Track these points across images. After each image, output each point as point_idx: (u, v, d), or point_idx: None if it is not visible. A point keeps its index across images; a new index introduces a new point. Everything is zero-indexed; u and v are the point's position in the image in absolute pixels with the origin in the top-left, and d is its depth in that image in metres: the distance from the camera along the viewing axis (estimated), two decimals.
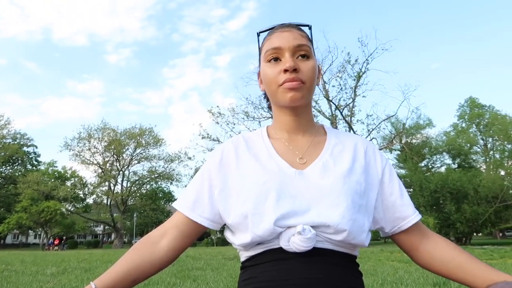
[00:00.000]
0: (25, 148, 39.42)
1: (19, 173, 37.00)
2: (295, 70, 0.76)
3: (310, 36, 0.85)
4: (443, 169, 24.66)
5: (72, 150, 30.77)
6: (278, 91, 0.79)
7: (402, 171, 23.89)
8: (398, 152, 24.65)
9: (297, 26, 0.85)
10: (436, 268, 0.79)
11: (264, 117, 17.87)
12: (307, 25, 0.87)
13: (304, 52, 0.79)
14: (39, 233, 39.37)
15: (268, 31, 0.86)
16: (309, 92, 0.79)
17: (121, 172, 32.25)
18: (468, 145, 25.46)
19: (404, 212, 0.82)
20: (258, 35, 0.89)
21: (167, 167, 32.70)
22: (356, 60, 16.96)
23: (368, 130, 17.53)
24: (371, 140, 16.78)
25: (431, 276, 4.40)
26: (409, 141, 24.16)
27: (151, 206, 34.24)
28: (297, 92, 0.77)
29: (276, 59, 0.79)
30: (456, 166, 25.40)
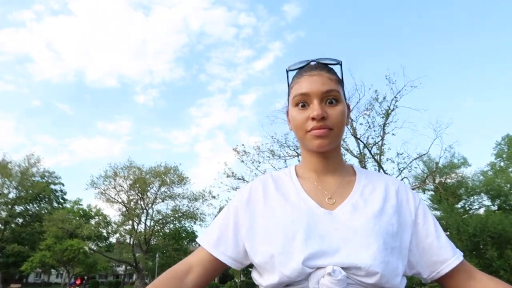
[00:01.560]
0: (52, 186, 40.55)
1: (45, 211, 37.85)
2: (323, 118, 0.77)
3: (340, 74, 0.86)
4: (481, 211, 23.78)
5: (98, 188, 31.31)
6: (306, 137, 0.80)
7: (437, 213, 22.96)
8: (432, 193, 23.90)
9: (327, 67, 0.84)
10: None
11: (290, 156, 17.81)
12: (337, 63, 0.87)
13: (332, 97, 0.79)
14: (61, 272, 39.63)
15: (296, 70, 0.87)
16: (337, 137, 0.80)
17: (145, 210, 32.45)
18: (508, 185, 24.43)
19: (442, 255, 0.79)
20: (287, 71, 0.89)
21: (191, 206, 32.73)
22: (384, 98, 16.95)
23: (399, 169, 17.12)
24: (402, 179, 16.35)
25: None
26: (443, 180, 23.42)
27: (174, 246, 33.99)
28: (325, 139, 0.78)
29: (304, 105, 0.80)
30: (496, 208, 24.28)
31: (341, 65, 0.87)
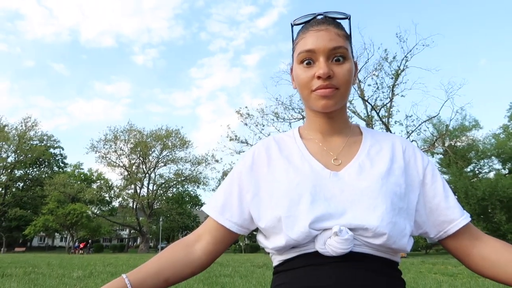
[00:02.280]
0: (51, 150, 41.06)
1: (46, 175, 38.58)
2: (329, 76, 0.76)
3: (348, 30, 0.84)
4: (491, 174, 23.88)
5: (98, 152, 31.67)
6: (310, 97, 0.79)
7: (446, 177, 23.11)
8: (441, 156, 23.96)
9: (334, 22, 0.83)
10: (492, 273, 0.77)
11: (295, 118, 17.80)
12: (346, 17, 0.85)
13: (340, 54, 0.78)
14: (65, 236, 40.85)
15: (302, 24, 0.85)
16: (343, 97, 0.79)
17: (147, 174, 32.98)
18: None
19: (450, 215, 0.80)
20: (292, 26, 0.87)
21: (194, 170, 33.18)
22: (394, 57, 16.66)
23: (408, 132, 17.15)
24: (411, 142, 16.37)
25: None
26: (453, 144, 23.43)
27: (178, 210, 34.78)
28: (330, 99, 0.77)
29: (310, 62, 0.79)
30: (506, 171, 24.40)
31: (349, 20, 0.85)
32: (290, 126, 17.46)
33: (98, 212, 35.67)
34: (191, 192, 39.25)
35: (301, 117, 16.87)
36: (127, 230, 41.51)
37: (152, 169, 33.11)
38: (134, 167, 32.44)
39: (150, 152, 32.31)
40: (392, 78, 16.93)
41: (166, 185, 34.48)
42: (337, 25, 0.82)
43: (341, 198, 0.73)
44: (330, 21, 0.82)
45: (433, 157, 23.53)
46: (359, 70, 16.58)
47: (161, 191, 34.67)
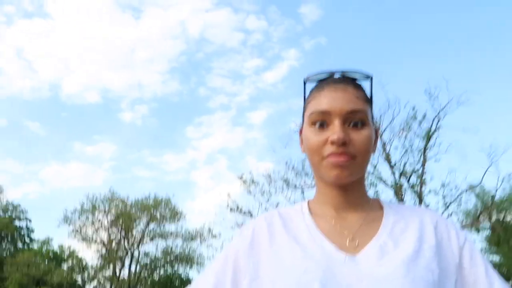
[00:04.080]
0: (16, 223, 40.92)
1: (8, 253, 38.15)
2: (344, 143, 0.78)
3: (369, 92, 0.87)
4: None
5: (72, 225, 31.54)
6: (322, 165, 0.81)
7: (496, 258, 22.80)
8: (488, 233, 23.67)
9: (354, 82, 0.86)
10: None
11: (308, 186, 17.93)
12: (368, 77, 0.87)
13: (358, 119, 0.81)
14: None
15: (316, 82, 0.89)
16: (360, 167, 0.82)
17: (129, 252, 32.56)
18: None
19: None
20: (305, 83, 0.91)
21: (187, 247, 32.83)
22: (424, 116, 17.00)
23: (445, 203, 17.03)
24: (449, 216, 16.35)
25: None
26: (501, 218, 23.26)
27: None
28: (345, 170, 0.79)
29: (323, 125, 0.81)
30: None
31: (371, 80, 0.88)
32: (303, 195, 17.46)
33: None
34: (183, 275, 38.53)
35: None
36: None
37: (136, 245, 32.72)
38: (114, 243, 32.16)
39: (134, 225, 32.06)
40: (423, 140, 17.14)
41: (152, 265, 33.88)
42: (356, 85, 0.85)
43: (359, 287, 0.72)
44: (349, 81, 0.85)
45: (478, 233, 23.19)
46: (384, 130, 17.03)
47: (146, 273, 34.04)
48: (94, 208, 31.90)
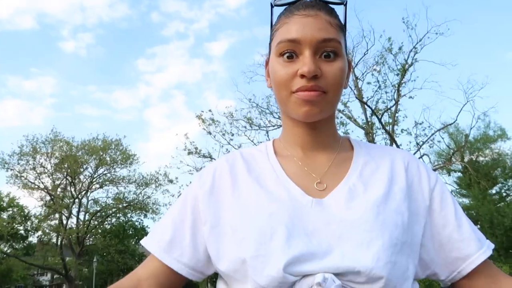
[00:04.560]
0: None
1: None
2: (315, 76, 0.76)
3: (343, 18, 0.85)
4: None
5: (11, 169, 30.93)
6: (290, 100, 0.80)
7: (465, 200, 23.93)
8: (460, 174, 24.55)
9: (327, 6, 0.83)
10: None
11: (274, 126, 17.90)
12: (341, 2, 0.86)
13: (331, 49, 0.78)
14: None
15: (285, 6, 0.86)
16: (331, 104, 0.81)
17: (77, 200, 32.33)
18: None
19: (464, 250, 0.80)
20: (272, 7, 0.88)
21: (140, 193, 32.84)
22: (400, 48, 16.91)
23: (418, 144, 17.44)
24: (421, 157, 16.70)
25: None
26: (474, 158, 24.10)
27: (118, 247, 34.18)
28: (315, 106, 0.78)
29: (292, 55, 0.79)
30: None
31: (345, 6, 0.86)
32: (268, 136, 17.53)
33: (9, 251, 34.56)
34: (136, 223, 38.66)
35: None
36: (49, 275, 40.45)
37: (84, 192, 32.50)
38: (59, 189, 31.78)
39: (81, 170, 31.74)
40: (397, 74, 17.37)
41: (103, 213, 33.93)
42: (330, 11, 0.83)
43: (326, 232, 0.73)
44: (322, 5, 0.82)
45: (449, 175, 24.19)
46: (357, 64, 16.89)
47: (96, 222, 34.05)
48: (35, 150, 31.06)
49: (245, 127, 18.51)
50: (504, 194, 25.80)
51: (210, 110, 18.77)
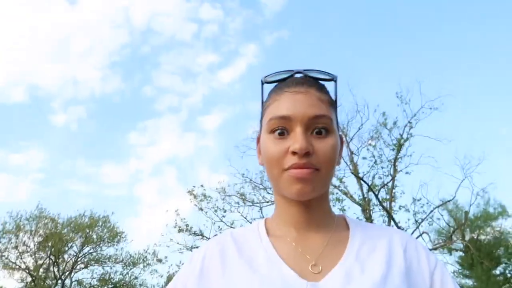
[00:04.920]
0: None
1: None
2: (307, 153, 0.76)
3: (334, 94, 0.87)
4: None
5: None
6: (282, 177, 0.80)
7: (469, 282, 23.38)
8: (461, 254, 24.23)
9: (317, 83, 0.85)
10: None
11: (268, 201, 17.80)
12: (332, 78, 0.87)
13: (322, 125, 0.79)
14: None
15: (275, 83, 0.88)
16: (324, 181, 0.81)
17: (60, 281, 31.45)
18: None
19: None
20: (262, 84, 0.89)
21: (127, 273, 32.01)
22: (394, 123, 17.24)
23: (416, 221, 17.31)
24: (420, 235, 16.57)
25: None
26: (475, 237, 23.86)
27: None
28: (308, 184, 0.78)
29: (283, 132, 0.80)
30: None
31: (336, 82, 0.88)
32: (262, 213, 17.36)
33: None
34: None
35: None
36: None
37: (68, 272, 31.69)
38: (41, 270, 31.00)
39: (66, 248, 31.13)
40: (393, 149, 17.50)
41: None
42: (320, 87, 0.84)
43: None
44: (312, 82, 0.84)
45: (451, 254, 23.75)
46: (351, 139, 17.09)
47: None
48: (18, 228, 30.56)
49: (238, 203, 18.31)
50: (509, 275, 25.23)
51: (202, 185, 18.70)
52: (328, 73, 0.87)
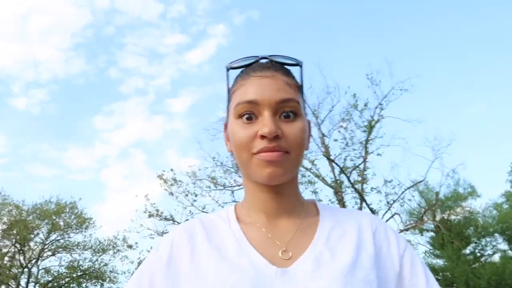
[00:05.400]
0: None
1: None
2: (276, 136, 0.78)
3: (300, 79, 0.89)
4: (496, 257, 24.84)
5: None
6: (251, 162, 0.81)
7: (440, 262, 24.14)
8: (432, 234, 24.72)
9: (283, 67, 0.87)
10: None
11: (240, 185, 17.89)
12: (297, 64, 0.89)
13: (290, 109, 0.81)
14: None
15: (241, 69, 0.89)
16: (294, 165, 0.82)
17: (26, 269, 31.21)
18: None
19: None
20: (228, 70, 0.91)
21: (97, 260, 31.85)
22: (365, 104, 17.44)
23: (388, 202, 17.57)
24: (392, 216, 17.00)
25: None
26: (446, 217, 24.27)
27: None
28: (279, 167, 0.79)
29: (251, 117, 0.81)
30: None
31: (301, 67, 0.89)
32: (233, 196, 17.47)
33: None
34: None
35: None
36: None
37: (34, 260, 31.41)
38: (6, 258, 30.68)
39: (32, 236, 30.79)
40: (364, 131, 17.66)
41: (55, 284, 32.69)
42: (286, 72, 0.86)
43: None
44: (278, 66, 0.86)
45: (422, 235, 24.22)
46: (323, 121, 17.38)
47: None
48: None
49: (209, 187, 18.46)
50: (479, 254, 25.84)
51: (172, 170, 18.61)
52: (293, 58, 0.88)
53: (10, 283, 30.26)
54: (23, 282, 31.07)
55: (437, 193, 20.87)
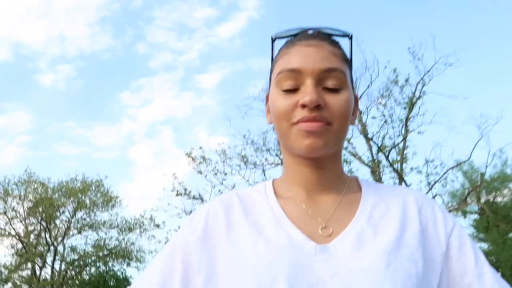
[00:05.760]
0: None
1: None
2: (318, 106, 0.77)
3: (349, 52, 0.87)
4: None
5: None
6: (291, 132, 0.80)
7: (484, 245, 23.77)
8: (476, 217, 24.49)
9: (329, 38, 0.85)
10: None
11: (271, 164, 17.86)
12: (346, 35, 0.88)
13: (334, 80, 0.79)
14: None
15: (286, 38, 0.89)
16: (337, 137, 0.81)
17: (52, 247, 31.93)
18: None
19: None
20: (273, 40, 0.91)
21: (123, 239, 32.47)
22: (406, 80, 17.06)
23: (429, 183, 17.42)
24: (433, 197, 16.68)
25: None
26: (491, 199, 24.06)
27: None
28: (319, 138, 0.77)
29: (293, 86, 0.80)
30: None
31: (351, 39, 0.88)
32: (264, 175, 17.45)
33: None
34: (119, 273, 38.14)
35: (280, 162, 16.83)
36: None
37: (60, 239, 32.18)
38: (32, 236, 31.46)
39: (58, 214, 31.51)
40: (405, 108, 17.45)
41: (81, 262, 33.51)
42: (333, 43, 0.85)
43: (332, 285, 0.72)
44: (325, 37, 0.85)
45: (465, 217, 24.06)
46: (360, 97, 17.03)
47: (73, 272, 33.60)
48: (6, 193, 30.85)
49: (239, 165, 18.33)
50: None
51: (201, 148, 18.71)
52: (342, 30, 0.88)
53: (36, 261, 31.02)
54: (49, 260, 31.90)
55: (482, 174, 20.63)
